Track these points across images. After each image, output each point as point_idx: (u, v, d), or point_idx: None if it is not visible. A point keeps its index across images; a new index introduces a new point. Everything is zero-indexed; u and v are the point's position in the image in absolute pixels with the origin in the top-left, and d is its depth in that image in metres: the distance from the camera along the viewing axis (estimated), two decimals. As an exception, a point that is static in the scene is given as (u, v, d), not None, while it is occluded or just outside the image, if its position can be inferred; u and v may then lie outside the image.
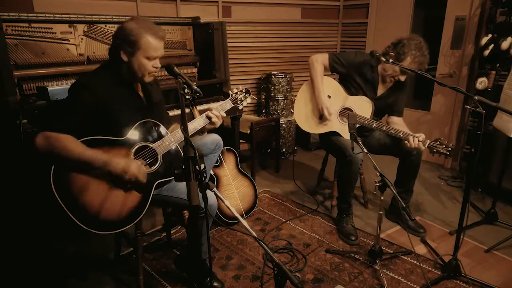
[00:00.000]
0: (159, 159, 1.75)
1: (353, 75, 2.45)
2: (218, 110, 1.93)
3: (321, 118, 2.51)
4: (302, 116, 2.63)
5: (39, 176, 1.93)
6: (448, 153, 2.14)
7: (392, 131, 2.29)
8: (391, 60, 2.19)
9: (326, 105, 2.44)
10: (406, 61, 2.25)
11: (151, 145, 1.74)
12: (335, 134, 2.49)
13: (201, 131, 1.98)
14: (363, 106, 2.41)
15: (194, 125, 1.88)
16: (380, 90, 2.49)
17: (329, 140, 2.53)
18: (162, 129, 1.81)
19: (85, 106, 1.60)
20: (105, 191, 1.61)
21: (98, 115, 1.63)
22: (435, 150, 2.19)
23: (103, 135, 1.64)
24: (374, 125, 2.32)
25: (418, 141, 2.20)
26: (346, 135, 2.39)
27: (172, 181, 1.82)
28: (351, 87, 2.50)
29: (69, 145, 1.53)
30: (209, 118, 1.90)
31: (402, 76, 2.35)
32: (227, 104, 2.01)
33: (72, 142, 1.55)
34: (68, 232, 2.43)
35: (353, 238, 2.39)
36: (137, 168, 1.61)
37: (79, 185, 1.57)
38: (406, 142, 2.24)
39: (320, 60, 2.48)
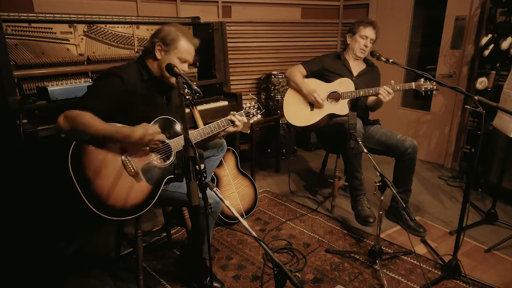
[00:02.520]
0: (173, 155, 1.79)
1: (328, 67, 2.72)
2: (242, 115, 2.01)
3: (312, 108, 2.67)
4: (295, 115, 2.73)
5: (40, 176, 1.95)
6: (435, 86, 2.36)
7: (378, 89, 2.49)
8: (391, 60, 2.25)
9: (314, 90, 2.61)
10: (360, 30, 2.59)
11: (167, 141, 1.78)
12: (330, 119, 2.63)
13: (221, 135, 2.05)
14: (345, 84, 2.62)
15: (213, 126, 1.92)
16: (356, 70, 2.72)
17: (326, 128, 2.65)
18: (180, 128, 1.85)
19: (111, 90, 1.66)
20: (120, 177, 1.65)
21: (122, 103, 1.68)
22: (423, 89, 2.39)
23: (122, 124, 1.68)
24: (361, 93, 2.53)
25: (390, 86, 2.43)
26: (340, 111, 2.59)
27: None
28: (329, 78, 2.70)
29: (91, 120, 1.57)
30: (232, 122, 1.96)
31: (369, 42, 2.60)
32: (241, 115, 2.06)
33: (93, 118, 1.58)
34: (68, 231, 2.44)
35: (371, 220, 2.41)
36: (154, 128, 1.67)
37: (96, 169, 1.60)
38: (379, 94, 2.44)
39: (296, 70, 2.75)
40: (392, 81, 2.45)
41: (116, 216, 1.65)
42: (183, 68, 1.78)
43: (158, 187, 1.75)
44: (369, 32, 2.57)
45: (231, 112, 2.00)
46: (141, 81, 1.76)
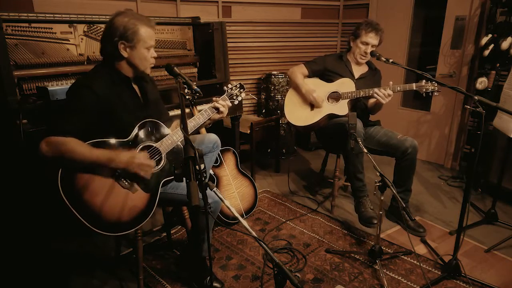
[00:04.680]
0: (163, 158, 1.76)
1: (330, 68, 2.72)
2: (225, 99, 1.94)
3: (313, 108, 2.68)
4: (295, 114, 2.74)
5: (40, 175, 1.94)
6: (436, 88, 2.35)
7: (379, 90, 2.48)
8: (391, 60, 2.26)
9: (313, 90, 2.63)
10: (362, 35, 2.57)
11: (154, 145, 1.74)
12: (330, 119, 2.63)
13: (207, 125, 1.98)
14: (346, 85, 2.63)
15: (198, 118, 1.87)
16: (357, 73, 2.72)
17: (327, 128, 2.66)
18: (164, 128, 1.81)
19: (87, 105, 1.59)
20: (114, 193, 1.61)
21: (101, 114, 1.62)
22: (424, 90, 2.38)
23: (106, 136, 1.63)
24: (362, 93, 2.53)
25: (389, 89, 2.43)
26: (340, 111, 2.60)
27: None
28: (331, 79, 2.70)
29: (75, 148, 1.51)
30: (216, 108, 1.89)
31: (370, 48, 2.58)
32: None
33: (78, 144, 1.53)
34: (69, 231, 2.43)
35: (374, 222, 2.39)
36: (143, 157, 1.62)
37: (90, 189, 1.56)
38: (376, 95, 2.45)
39: (298, 70, 2.75)
40: (391, 82, 2.44)
41: (119, 231, 1.62)
42: (152, 55, 1.71)
43: (155, 193, 1.71)
44: (370, 38, 2.54)
45: (214, 99, 1.90)
46: (114, 85, 1.68)
